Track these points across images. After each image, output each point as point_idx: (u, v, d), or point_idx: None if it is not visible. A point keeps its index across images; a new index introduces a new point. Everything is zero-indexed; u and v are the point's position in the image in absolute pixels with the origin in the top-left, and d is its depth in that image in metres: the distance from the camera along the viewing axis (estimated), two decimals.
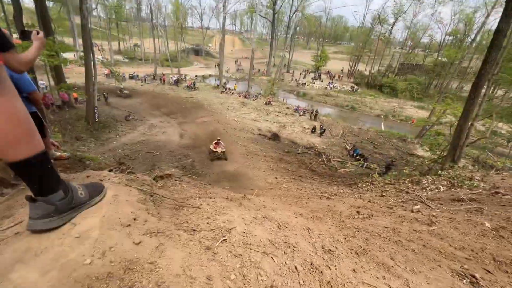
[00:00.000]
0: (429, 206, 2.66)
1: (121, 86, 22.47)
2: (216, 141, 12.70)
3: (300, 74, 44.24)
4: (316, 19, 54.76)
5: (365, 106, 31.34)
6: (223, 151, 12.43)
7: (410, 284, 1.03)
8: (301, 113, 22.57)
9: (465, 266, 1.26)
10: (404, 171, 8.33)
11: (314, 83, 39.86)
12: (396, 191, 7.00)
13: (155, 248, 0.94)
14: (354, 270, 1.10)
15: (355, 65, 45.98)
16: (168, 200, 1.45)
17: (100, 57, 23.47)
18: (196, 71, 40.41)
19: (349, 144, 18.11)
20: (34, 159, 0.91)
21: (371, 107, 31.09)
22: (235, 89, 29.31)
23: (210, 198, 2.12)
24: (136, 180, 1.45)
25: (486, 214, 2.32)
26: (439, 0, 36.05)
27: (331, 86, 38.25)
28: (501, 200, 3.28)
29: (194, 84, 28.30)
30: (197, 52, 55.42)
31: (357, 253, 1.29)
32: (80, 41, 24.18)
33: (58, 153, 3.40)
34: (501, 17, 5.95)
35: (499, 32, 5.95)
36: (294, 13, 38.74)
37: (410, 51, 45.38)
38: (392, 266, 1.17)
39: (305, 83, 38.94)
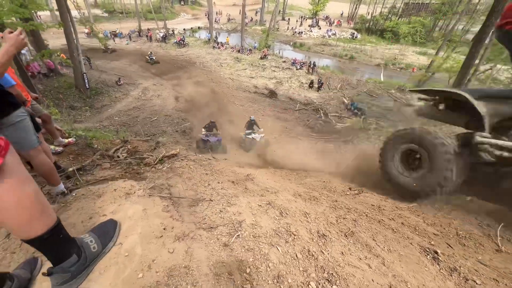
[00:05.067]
0: None
1: (109, 47, 21.30)
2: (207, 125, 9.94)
3: (297, 21, 40.87)
4: None
5: (365, 54, 29.93)
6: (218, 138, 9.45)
7: (385, 263, 1.33)
8: (298, 67, 21.72)
9: (432, 242, 1.57)
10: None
11: (311, 31, 37.17)
12: None
13: (185, 253, 1.19)
14: (342, 253, 1.39)
15: (356, 8, 42.16)
16: (185, 199, 1.68)
17: (77, 13, 21.30)
18: (183, 23, 37.16)
19: (347, 98, 18.01)
20: (46, 235, 0.93)
21: (371, 56, 29.74)
22: (227, 42, 27.51)
23: (218, 183, 2.36)
24: (156, 188, 1.65)
25: None
26: None
27: (330, 33, 35.80)
28: None
29: (184, 40, 26.42)
30: (182, 0, 49.99)
31: (346, 235, 1.57)
32: None
33: (66, 140, 3.53)
34: None
35: None
36: None
37: None
38: (373, 247, 1.46)
39: (302, 32, 36.32)
